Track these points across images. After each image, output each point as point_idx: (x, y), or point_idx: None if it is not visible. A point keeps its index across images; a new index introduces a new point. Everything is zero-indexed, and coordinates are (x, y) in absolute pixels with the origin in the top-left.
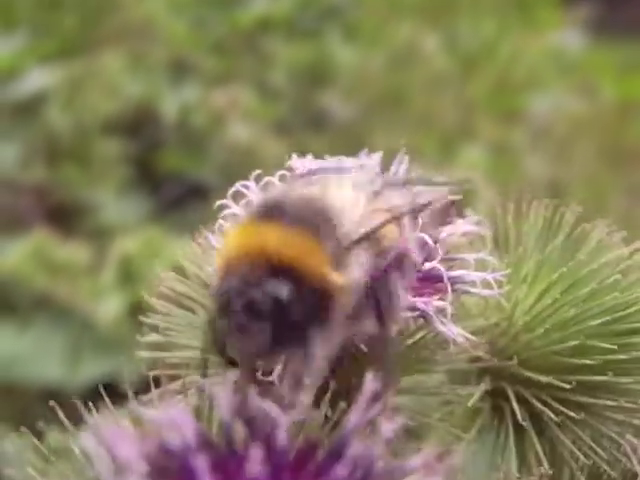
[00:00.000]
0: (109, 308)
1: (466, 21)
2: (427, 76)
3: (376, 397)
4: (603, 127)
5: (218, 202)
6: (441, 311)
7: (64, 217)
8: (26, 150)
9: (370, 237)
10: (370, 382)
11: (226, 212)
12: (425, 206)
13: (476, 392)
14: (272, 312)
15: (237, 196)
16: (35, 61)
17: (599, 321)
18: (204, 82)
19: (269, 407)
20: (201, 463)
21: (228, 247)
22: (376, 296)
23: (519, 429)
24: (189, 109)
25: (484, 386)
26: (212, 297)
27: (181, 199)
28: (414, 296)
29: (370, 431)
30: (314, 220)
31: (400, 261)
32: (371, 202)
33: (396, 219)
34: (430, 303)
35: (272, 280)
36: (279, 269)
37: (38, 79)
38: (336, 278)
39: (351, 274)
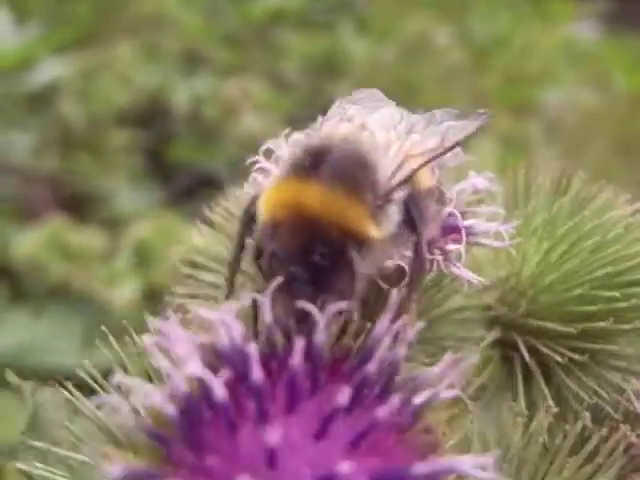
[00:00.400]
0: (124, 293)
1: (479, 13)
2: (439, 68)
3: (401, 309)
4: (616, 120)
5: (251, 159)
6: (456, 255)
7: (77, 206)
8: (39, 140)
9: (407, 181)
10: (397, 294)
11: (258, 166)
12: (454, 146)
13: (489, 336)
14: (313, 279)
15: (268, 154)
16: (48, 52)
17: (603, 272)
18: (216, 73)
19: (309, 309)
20: (253, 352)
21: (268, 204)
22: (410, 215)
23: (528, 378)
24: (201, 100)
25: (495, 333)
26: (252, 260)
27: (192, 190)
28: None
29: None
30: (353, 170)
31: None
32: (403, 144)
33: (429, 162)
34: (445, 247)
35: (313, 248)
36: (321, 231)
37: (51, 70)
38: (376, 232)
39: (390, 222)
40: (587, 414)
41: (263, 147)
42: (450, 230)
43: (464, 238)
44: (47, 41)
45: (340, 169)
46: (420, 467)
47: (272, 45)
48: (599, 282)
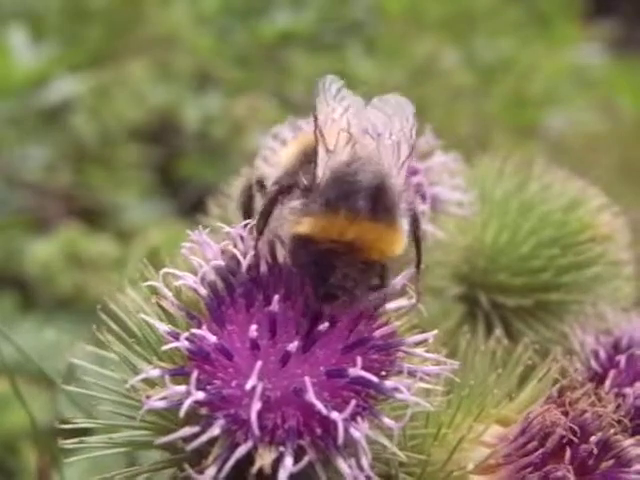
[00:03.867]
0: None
1: (485, 36)
2: (446, 90)
3: None
4: (620, 143)
5: (260, 140)
6: (423, 213)
7: (88, 219)
8: (54, 155)
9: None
10: None
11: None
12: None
13: (454, 289)
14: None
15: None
16: (63, 70)
17: (547, 235)
18: (226, 92)
19: None
20: (263, 253)
21: (321, 232)
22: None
23: (489, 327)
24: (211, 118)
25: (461, 289)
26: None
27: (199, 204)
28: None
29: None
30: (386, 202)
31: None
32: (399, 152)
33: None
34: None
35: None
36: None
37: (66, 87)
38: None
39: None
40: (526, 339)
41: (271, 132)
42: (419, 197)
43: (428, 200)
44: (62, 59)
45: (377, 205)
46: (378, 333)
47: (281, 65)
48: (544, 243)
